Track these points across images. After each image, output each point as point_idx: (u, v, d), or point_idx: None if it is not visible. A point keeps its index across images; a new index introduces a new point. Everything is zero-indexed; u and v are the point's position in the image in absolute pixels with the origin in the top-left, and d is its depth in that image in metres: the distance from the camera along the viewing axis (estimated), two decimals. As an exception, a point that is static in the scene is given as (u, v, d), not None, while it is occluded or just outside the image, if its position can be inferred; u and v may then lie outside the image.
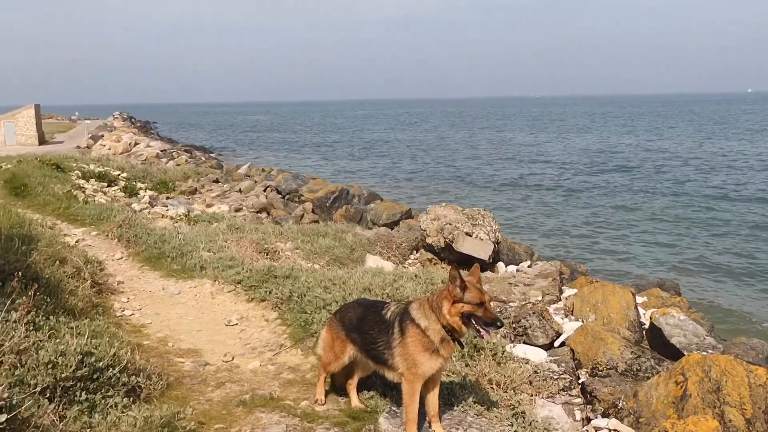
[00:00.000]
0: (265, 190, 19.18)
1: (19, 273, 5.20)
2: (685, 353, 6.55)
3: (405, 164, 43.38)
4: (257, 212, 17.38)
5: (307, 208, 17.16)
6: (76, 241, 9.37)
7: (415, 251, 12.62)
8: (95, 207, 11.54)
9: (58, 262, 6.56)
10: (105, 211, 11.32)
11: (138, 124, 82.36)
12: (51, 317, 5.05)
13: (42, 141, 57.21)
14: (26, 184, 12.72)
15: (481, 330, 4.00)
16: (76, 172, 18.29)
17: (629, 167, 38.87)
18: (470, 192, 29.29)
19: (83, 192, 14.66)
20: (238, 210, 17.43)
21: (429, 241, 12.20)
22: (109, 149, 42.50)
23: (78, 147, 50.01)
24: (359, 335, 4.47)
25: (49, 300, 5.25)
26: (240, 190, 19.79)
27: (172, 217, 14.91)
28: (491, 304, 4.16)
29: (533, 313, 7.20)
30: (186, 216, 15.22)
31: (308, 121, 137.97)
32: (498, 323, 4.01)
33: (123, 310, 6.89)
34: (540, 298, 8.77)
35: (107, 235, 9.78)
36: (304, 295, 6.71)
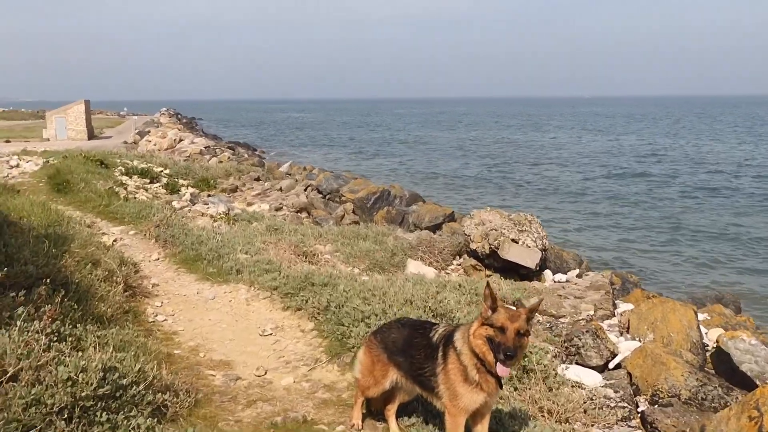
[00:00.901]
0: (305, 190, 18.96)
1: (47, 279, 4.99)
2: (758, 383, 5.97)
3: (447, 164, 42.73)
4: (297, 212, 17.17)
5: (347, 208, 16.85)
6: (114, 241, 9.24)
7: (458, 256, 12.18)
8: (135, 205, 11.44)
9: (90, 264, 6.35)
10: (144, 209, 11.21)
11: (184, 121, 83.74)
12: (78, 326, 4.81)
13: (91, 136, 58.58)
14: (69, 180, 12.74)
15: (497, 361, 3.51)
16: (120, 168, 18.38)
17: (679, 172, 37.48)
18: (514, 194, 28.57)
19: (125, 189, 14.65)
20: (278, 209, 17.25)
21: (473, 246, 11.74)
22: (155, 145, 43.16)
23: (125, 142, 51.01)
24: (405, 359, 4.07)
25: (76, 307, 5.01)
26: (281, 189, 19.63)
27: (212, 216, 14.80)
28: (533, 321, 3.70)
29: (587, 331, 6.69)
30: (226, 215, 15.09)
31: (348, 118, 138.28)
32: (509, 353, 3.46)
33: (156, 315, 6.66)
34: (592, 313, 8.23)
35: (145, 235, 9.63)
36: (342, 306, 6.35)
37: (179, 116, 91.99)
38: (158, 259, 8.86)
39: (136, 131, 56.29)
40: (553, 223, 21.43)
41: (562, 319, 7.82)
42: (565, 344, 6.63)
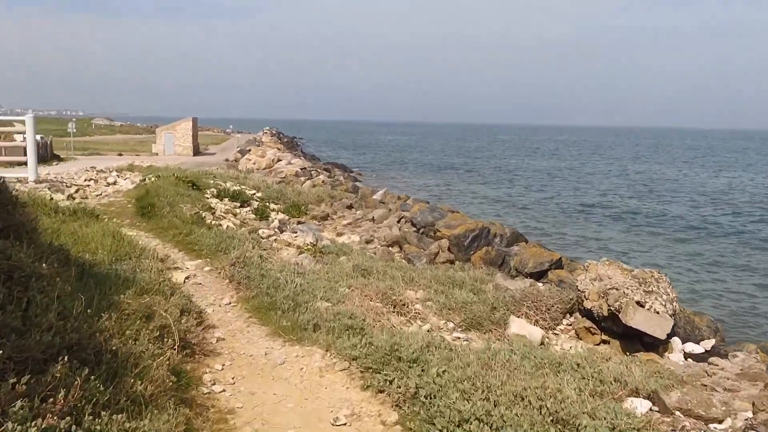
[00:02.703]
0: (398, 221, 17.82)
1: (72, 350, 4.02)
2: None
3: (551, 198, 40.31)
4: (389, 245, 16.05)
5: (442, 245, 15.53)
6: (186, 278, 8.40)
7: (568, 314, 10.56)
8: (215, 236, 10.67)
9: (140, 320, 5.40)
10: (225, 241, 10.41)
11: (285, 140, 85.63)
12: (103, 414, 3.79)
13: (196, 152, 60.73)
14: (154, 204, 12.23)
15: None
16: (212, 189, 18.01)
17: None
18: (626, 237, 26.07)
19: (212, 214, 14.08)
20: (368, 242, 16.20)
21: (587, 305, 10.09)
22: (254, 164, 43.74)
23: (226, 160, 52.32)
24: None
25: (102, 388, 3.99)
26: (373, 219, 18.62)
27: (298, 246, 13.96)
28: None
29: (759, 455, 5.00)
30: (313, 246, 14.20)
31: (446, 142, 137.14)
32: None
33: (213, 384, 5.61)
34: (750, 415, 6.44)
35: (219, 273, 8.75)
36: (434, 396, 5.04)
37: (281, 135, 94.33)
38: (229, 303, 7.90)
39: (238, 149, 57.74)
40: (668, 270, 19.10)
41: (714, 425, 6.10)
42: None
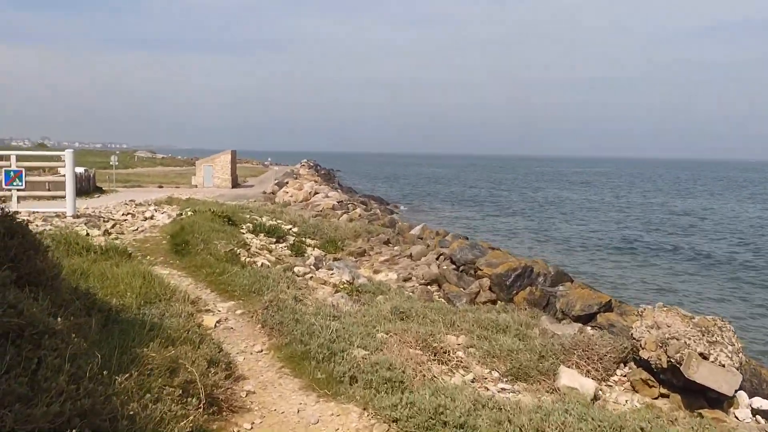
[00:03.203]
0: (437, 259, 17.26)
1: (81, 418, 3.61)
2: None
3: (595, 233, 39.13)
4: (427, 284, 15.50)
5: (483, 284, 14.91)
6: (217, 322, 8.01)
7: (622, 364, 9.82)
8: (249, 275, 10.30)
9: (163, 375, 4.98)
10: (258, 281, 10.03)
11: (322, 172, 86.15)
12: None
13: (235, 184, 61.39)
14: (188, 241, 11.98)
15: None
16: (248, 224, 17.79)
17: None
18: (674, 277, 24.94)
19: (247, 250, 13.77)
20: (406, 280, 15.68)
21: (644, 355, 9.34)
22: (291, 197, 43.84)
23: (264, 192, 52.65)
24: None
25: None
26: (411, 256, 18.11)
27: (334, 285, 13.54)
28: None
29: None
30: (350, 284, 13.77)
31: (479, 175, 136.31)
32: None
33: (239, 447, 5.14)
34: None
35: (252, 317, 8.34)
36: (486, 471, 4.47)
37: (318, 168, 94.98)
38: (261, 351, 7.46)
39: (275, 182, 58.12)
40: (724, 313, 18.03)
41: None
42: None
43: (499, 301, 14.89)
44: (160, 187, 56.39)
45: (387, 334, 8.71)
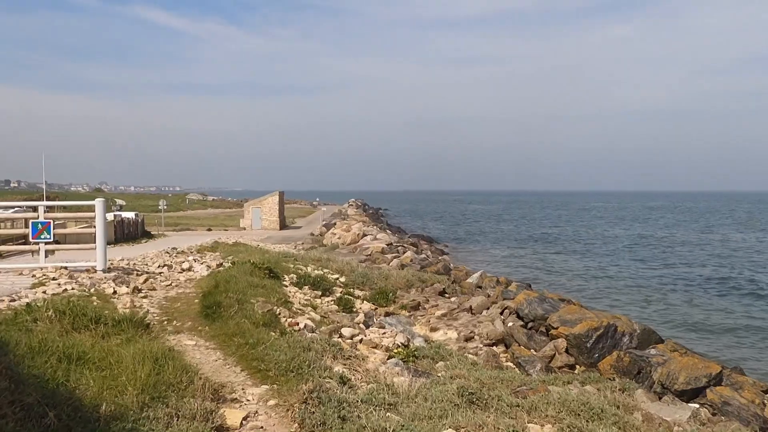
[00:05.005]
0: (502, 313, 15.34)
1: None
2: None
3: (670, 274, 35.96)
4: (493, 344, 13.60)
5: (558, 346, 12.91)
6: (244, 419, 6.36)
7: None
8: (288, 346, 8.67)
9: None
10: (299, 355, 8.38)
11: (370, 212, 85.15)
12: None
13: (282, 226, 60.74)
14: (220, 302, 10.45)
15: None
16: (292, 275, 16.30)
17: None
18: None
19: (289, 309, 12.21)
20: (468, 339, 13.83)
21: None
22: (339, 238, 42.52)
23: (312, 234, 51.61)
24: None
25: None
26: (471, 309, 16.23)
27: (387, 349, 11.83)
28: None
29: None
30: (405, 348, 12.04)
31: (527, 211, 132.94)
32: None
33: None
34: None
35: (288, 411, 6.64)
36: None
37: (366, 207, 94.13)
38: (297, 464, 5.75)
39: (323, 223, 57.15)
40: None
41: None
42: None
43: (578, 366, 12.87)
44: (209, 230, 56.10)
45: (457, 431, 6.90)
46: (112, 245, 35.53)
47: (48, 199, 57.33)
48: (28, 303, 8.38)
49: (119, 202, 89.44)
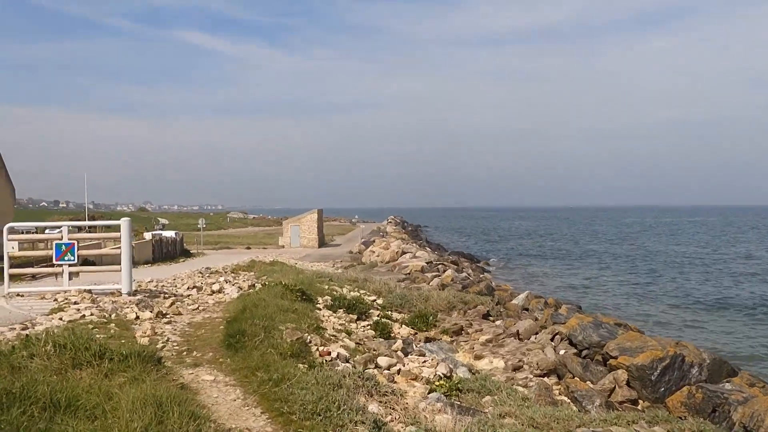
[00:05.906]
0: (552, 339, 14.09)
1: None
2: None
3: (737, 299, 33.50)
4: (544, 375, 12.37)
5: (619, 378, 11.62)
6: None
7: None
8: (317, 383, 7.69)
9: None
10: (329, 394, 7.39)
11: (409, 229, 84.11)
12: None
13: (321, 243, 60.15)
14: (244, 331, 9.56)
15: None
16: (326, 297, 15.38)
17: None
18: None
19: (321, 335, 11.26)
20: (516, 369, 12.63)
21: None
22: (377, 256, 41.58)
23: (350, 252, 50.81)
24: None
25: None
26: (518, 334, 15.00)
27: (428, 381, 10.76)
28: None
29: None
30: (447, 379, 10.95)
31: (565, 227, 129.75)
32: None
33: None
34: None
35: (312, 469, 5.65)
36: None
37: (405, 224, 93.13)
38: None
39: (362, 241, 56.32)
40: None
41: None
42: None
43: (640, 400, 11.55)
44: (248, 248, 55.86)
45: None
46: (150, 264, 35.36)
47: (91, 219, 58.04)
48: (27, 335, 7.62)
49: (162, 221, 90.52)
